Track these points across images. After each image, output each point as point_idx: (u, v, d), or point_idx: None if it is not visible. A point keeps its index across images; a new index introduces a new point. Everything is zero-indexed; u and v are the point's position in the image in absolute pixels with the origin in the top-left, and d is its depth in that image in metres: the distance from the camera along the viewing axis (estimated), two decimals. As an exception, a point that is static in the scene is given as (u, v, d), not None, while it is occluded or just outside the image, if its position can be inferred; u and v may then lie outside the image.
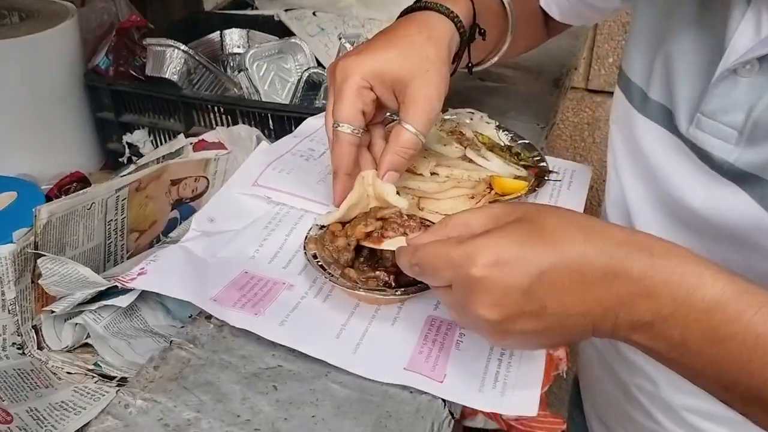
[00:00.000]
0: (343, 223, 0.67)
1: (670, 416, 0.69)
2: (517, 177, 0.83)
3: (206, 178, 1.11)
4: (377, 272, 0.62)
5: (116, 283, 0.65)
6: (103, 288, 0.69)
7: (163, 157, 1.04)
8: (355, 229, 0.62)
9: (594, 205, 1.69)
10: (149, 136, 1.36)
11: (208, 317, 0.60)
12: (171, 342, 0.58)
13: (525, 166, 0.84)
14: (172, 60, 1.26)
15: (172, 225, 1.08)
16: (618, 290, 0.42)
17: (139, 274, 0.62)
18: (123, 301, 0.68)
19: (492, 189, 0.80)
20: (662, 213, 0.62)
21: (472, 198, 0.77)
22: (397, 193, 0.66)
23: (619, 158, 0.69)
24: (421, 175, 0.76)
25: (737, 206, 0.51)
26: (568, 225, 0.44)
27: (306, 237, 0.66)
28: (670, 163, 0.58)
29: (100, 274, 0.79)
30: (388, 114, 0.71)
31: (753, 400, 0.41)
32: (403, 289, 0.61)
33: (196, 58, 1.28)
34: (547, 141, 0.97)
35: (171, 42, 1.26)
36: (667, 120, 0.58)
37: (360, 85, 0.62)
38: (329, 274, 0.61)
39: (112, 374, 0.68)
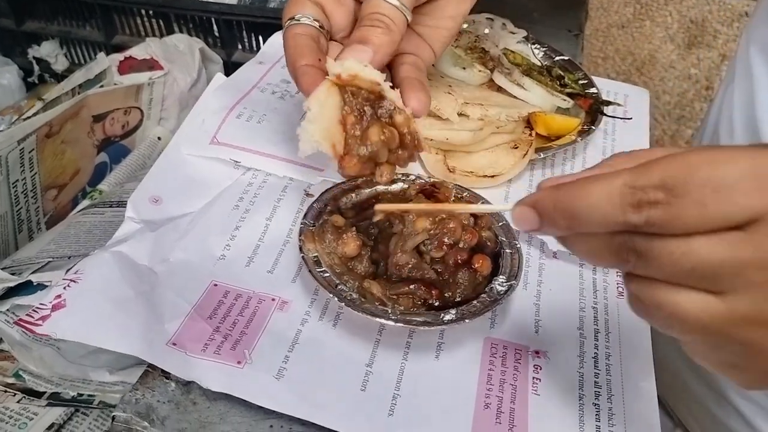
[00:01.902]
0: (342, 213, 0.46)
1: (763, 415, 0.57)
2: (560, 110, 0.62)
3: (139, 108, 0.87)
4: (411, 286, 0.42)
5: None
6: (11, 284, 0.54)
7: (80, 86, 0.79)
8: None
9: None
10: (62, 49, 1.09)
11: (167, 374, 0.40)
12: (114, 419, 0.38)
13: (570, 95, 0.63)
14: (80, -52, 0.97)
15: (101, 171, 0.85)
16: None
17: (53, 309, 0.41)
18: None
19: (533, 130, 0.60)
20: None
21: (516, 148, 0.57)
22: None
23: (759, 92, 0.56)
24: (446, 120, 0.54)
25: None
26: None
27: (301, 231, 0.45)
28: None
29: (9, 257, 0.62)
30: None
31: None
32: (455, 312, 0.41)
33: (113, -56, 0.99)
34: (584, 54, 0.75)
35: (76, -76, 0.97)
36: None
37: None
38: (342, 293, 0.41)
39: (40, 389, 0.54)
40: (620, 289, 0.48)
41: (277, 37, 0.68)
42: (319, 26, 0.46)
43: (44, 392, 0.54)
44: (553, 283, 0.49)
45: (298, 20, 0.46)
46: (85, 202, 0.77)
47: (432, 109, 0.55)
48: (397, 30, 0.44)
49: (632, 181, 0.27)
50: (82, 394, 0.54)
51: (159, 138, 0.87)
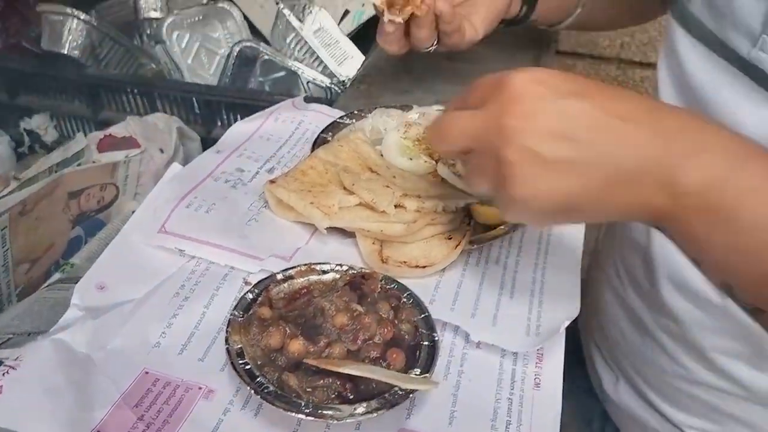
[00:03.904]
0: (272, 306, 0.49)
1: (696, 357, 0.64)
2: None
3: (115, 185, 0.91)
4: (326, 379, 0.45)
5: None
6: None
7: (57, 165, 0.84)
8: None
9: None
10: (52, 121, 1.14)
11: (89, 462, 0.42)
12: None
13: (511, 185, 0.67)
14: (71, 32, 1.03)
15: (75, 244, 0.89)
16: (661, 144, 0.39)
17: (-13, 396, 0.44)
18: None
19: (472, 220, 0.63)
20: None
21: (450, 239, 0.60)
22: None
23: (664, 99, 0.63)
24: (382, 212, 0.58)
25: None
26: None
27: (228, 322, 0.48)
28: (721, 89, 0.56)
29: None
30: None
31: None
32: (366, 405, 0.44)
33: (102, 29, 1.05)
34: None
35: (69, 10, 1.03)
36: (720, 46, 0.56)
37: None
38: (261, 385, 0.44)
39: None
40: (537, 380, 0.51)
41: (237, 127, 0.72)
42: None
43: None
44: (474, 373, 0.51)
45: None
46: (57, 275, 0.80)
47: (369, 202, 0.58)
48: None
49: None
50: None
51: (133, 212, 0.90)
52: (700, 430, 0.67)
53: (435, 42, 0.72)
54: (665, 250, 0.63)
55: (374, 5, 0.59)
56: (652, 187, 0.40)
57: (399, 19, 0.56)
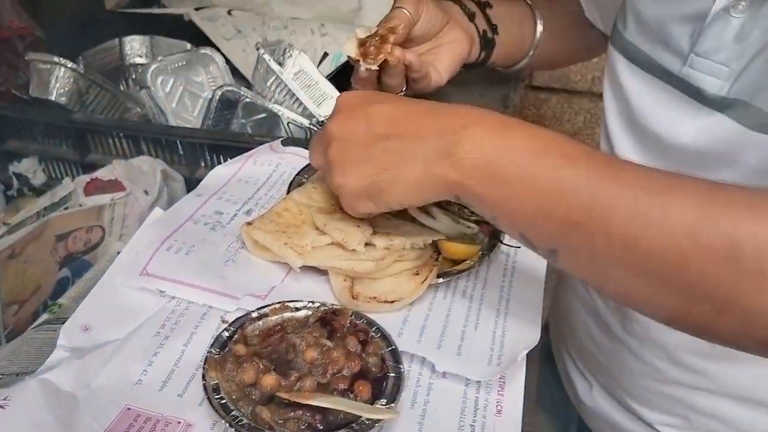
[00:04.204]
0: (247, 343, 0.53)
1: (663, 356, 0.67)
2: (466, 236, 0.69)
3: (101, 227, 0.94)
4: (297, 411, 0.48)
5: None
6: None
7: (45, 209, 0.87)
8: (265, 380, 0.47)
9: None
10: (40, 165, 1.17)
11: (72, 495, 0.45)
12: None
13: (477, 221, 0.70)
14: (58, 80, 1.07)
15: (63, 285, 0.91)
16: (442, 126, 0.50)
17: (-24, 435, 0.46)
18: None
19: (440, 255, 0.66)
20: (651, 157, 0.63)
21: (417, 274, 0.63)
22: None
23: (610, 123, 0.68)
24: (353, 251, 0.61)
25: (723, 132, 0.54)
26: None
27: (205, 359, 0.51)
28: (658, 106, 0.61)
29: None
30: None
31: (571, 225, 0.45)
32: (333, 435, 0.47)
33: (89, 77, 1.09)
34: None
35: (56, 59, 1.07)
36: (654, 66, 0.61)
37: None
38: (235, 418, 0.47)
39: None
40: (498, 408, 0.54)
41: (217, 170, 0.76)
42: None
43: None
44: (439, 401, 0.54)
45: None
46: (45, 316, 0.83)
47: (340, 241, 0.62)
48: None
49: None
50: None
51: (119, 253, 0.93)
52: (675, 427, 0.70)
53: (404, 87, 0.76)
54: None
55: (349, 57, 0.64)
56: (439, 162, 0.49)
57: (374, 66, 0.61)
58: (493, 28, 0.72)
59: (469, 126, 0.49)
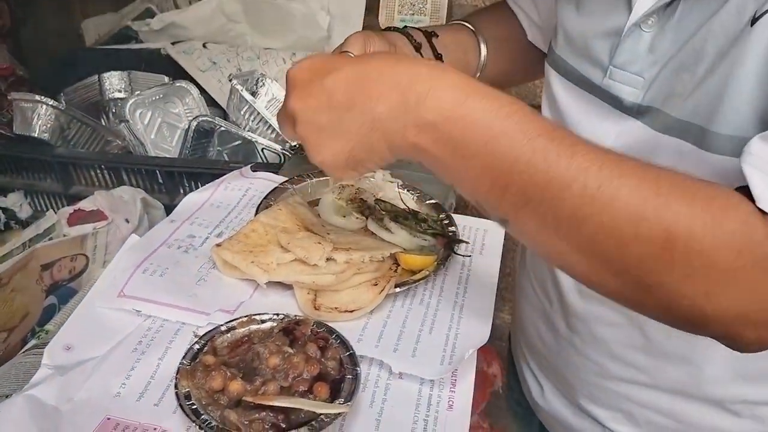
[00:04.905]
0: (216, 354, 0.57)
1: (602, 352, 0.70)
2: (423, 248, 0.74)
3: (85, 255, 0.99)
4: (261, 413, 0.52)
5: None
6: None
7: (30, 240, 0.91)
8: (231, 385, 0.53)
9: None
10: (26, 198, 1.22)
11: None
12: None
13: (433, 234, 0.76)
14: (41, 117, 1.13)
15: (49, 313, 0.96)
16: (402, 90, 0.49)
17: (-33, 448, 0.51)
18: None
19: (398, 267, 0.72)
20: None
21: (376, 285, 0.68)
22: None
23: None
24: (314, 266, 0.66)
25: (639, 136, 0.59)
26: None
27: (178, 370, 0.56)
28: (584, 113, 0.65)
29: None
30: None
31: (523, 202, 0.48)
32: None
33: (70, 112, 1.14)
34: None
35: (38, 97, 1.12)
36: (580, 79, 0.66)
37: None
38: (205, 422, 0.51)
39: None
40: (450, 403, 0.59)
41: (191, 197, 0.81)
42: None
43: None
44: (396, 400, 0.59)
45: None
46: (33, 341, 0.87)
47: (302, 258, 0.67)
48: None
49: None
50: None
51: (100, 278, 0.98)
52: (620, 422, 0.73)
53: None
54: None
55: None
56: (405, 126, 0.50)
57: None
58: (439, 57, 0.76)
59: (431, 91, 0.49)
